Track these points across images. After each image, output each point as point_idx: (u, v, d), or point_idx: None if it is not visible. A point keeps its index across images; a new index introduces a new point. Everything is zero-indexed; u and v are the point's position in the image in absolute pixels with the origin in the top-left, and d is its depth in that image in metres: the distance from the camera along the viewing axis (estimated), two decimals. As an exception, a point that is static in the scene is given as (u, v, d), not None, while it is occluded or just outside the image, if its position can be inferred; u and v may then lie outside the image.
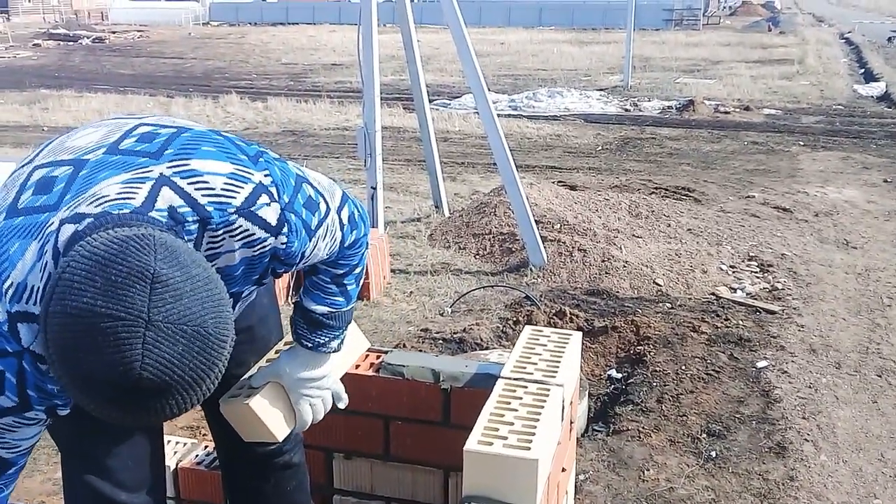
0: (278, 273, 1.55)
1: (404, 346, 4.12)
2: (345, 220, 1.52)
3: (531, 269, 5.28)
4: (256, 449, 1.84)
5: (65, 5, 47.11)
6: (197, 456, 2.36)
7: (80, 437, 1.62)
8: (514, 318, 4.47)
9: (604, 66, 20.36)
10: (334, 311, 1.63)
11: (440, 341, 4.18)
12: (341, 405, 1.74)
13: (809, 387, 3.73)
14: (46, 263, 1.17)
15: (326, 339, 1.65)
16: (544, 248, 5.38)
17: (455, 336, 4.21)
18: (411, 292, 5.08)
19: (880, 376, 3.88)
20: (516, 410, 1.69)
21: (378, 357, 2.15)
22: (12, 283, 1.19)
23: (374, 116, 5.56)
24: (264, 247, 1.35)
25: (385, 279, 5.17)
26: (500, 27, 37.41)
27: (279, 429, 1.68)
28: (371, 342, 4.36)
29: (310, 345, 1.64)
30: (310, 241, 1.43)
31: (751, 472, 3.06)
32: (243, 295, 1.51)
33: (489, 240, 5.88)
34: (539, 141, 10.75)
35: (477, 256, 5.72)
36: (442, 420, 2.06)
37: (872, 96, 14.84)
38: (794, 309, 4.70)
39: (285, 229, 1.35)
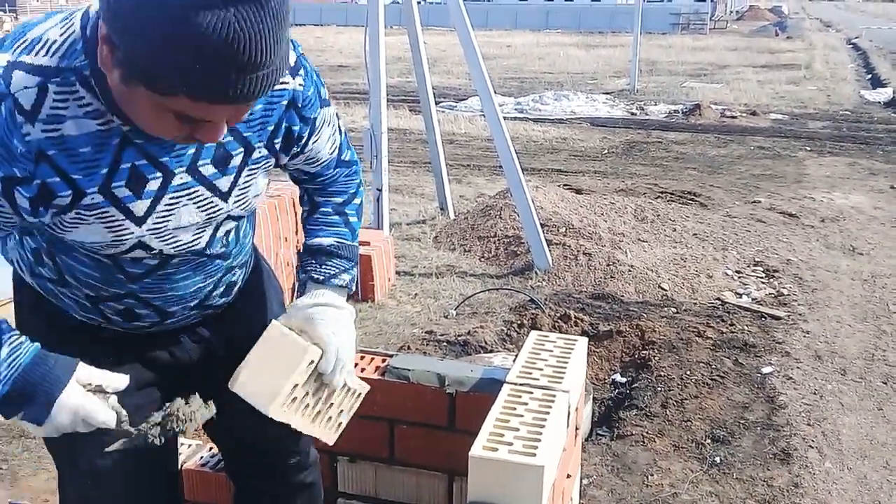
0: (288, 147, 1.48)
1: (409, 348, 4.12)
2: (342, 129, 1.62)
3: (536, 273, 5.28)
4: (272, 466, 1.80)
5: (73, 4, 47.30)
6: (202, 458, 2.35)
7: (82, 449, 1.54)
8: (519, 322, 4.47)
9: (610, 69, 20.35)
10: (341, 241, 1.61)
11: (444, 344, 4.18)
12: (354, 384, 1.60)
13: (814, 393, 3.72)
14: (73, 23, 1.20)
15: (337, 270, 1.58)
16: (549, 251, 5.37)
17: (459, 339, 4.21)
18: (416, 294, 5.08)
19: (886, 383, 3.87)
20: (522, 416, 1.68)
21: (383, 360, 2.15)
22: (27, 37, 1.20)
23: (381, 118, 5.56)
24: (283, 88, 1.39)
25: (390, 281, 5.17)
26: (507, 30, 37.49)
27: (308, 354, 1.47)
28: (376, 345, 4.36)
29: (321, 277, 1.56)
30: (320, 107, 1.48)
31: (755, 479, 3.05)
32: (252, 156, 1.42)
33: (494, 242, 5.88)
34: (545, 144, 10.75)
35: (482, 259, 5.72)
36: (447, 424, 2.05)
37: (880, 102, 14.80)
38: (800, 315, 4.69)
39: (301, 72, 1.42)
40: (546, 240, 5.40)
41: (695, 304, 4.86)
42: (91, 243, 1.32)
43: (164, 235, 1.36)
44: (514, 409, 1.72)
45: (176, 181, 1.33)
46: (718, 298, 4.95)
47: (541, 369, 1.90)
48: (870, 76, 18.89)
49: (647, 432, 3.35)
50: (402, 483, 2.14)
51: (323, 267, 1.57)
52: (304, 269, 1.59)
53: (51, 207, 1.24)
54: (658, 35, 32.46)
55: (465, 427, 1.96)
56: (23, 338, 1.27)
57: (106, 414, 1.29)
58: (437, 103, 8.08)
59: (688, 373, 3.82)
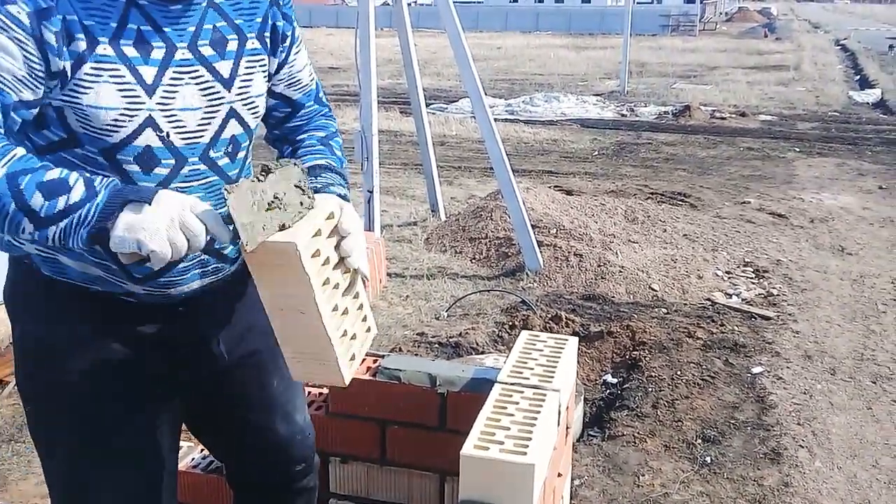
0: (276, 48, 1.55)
1: (400, 349, 4.12)
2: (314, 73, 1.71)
3: (527, 274, 5.29)
4: (273, 475, 1.78)
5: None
6: (193, 459, 2.35)
7: (80, 462, 1.52)
8: (510, 323, 4.48)
9: (600, 71, 20.41)
10: (331, 163, 1.61)
11: (436, 345, 4.18)
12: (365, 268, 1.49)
13: (804, 393, 3.74)
14: None
15: (333, 182, 1.56)
16: (540, 252, 5.38)
17: (451, 340, 4.21)
18: (407, 296, 5.08)
19: (875, 382, 3.90)
20: (513, 415, 1.69)
21: (375, 361, 2.15)
22: None
23: (371, 120, 5.56)
24: None
25: (381, 283, 5.17)
26: (498, 31, 37.54)
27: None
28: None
29: (318, 186, 1.52)
30: (295, 23, 1.59)
31: (745, 478, 3.06)
32: (246, 46, 1.49)
33: (485, 244, 5.89)
34: (535, 145, 10.77)
35: (473, 261, 5.73)
36: (438, 424, 2.06)
37: (868, 103, 14.90)
38: (790, 315, 4.72)
39: None
40: (537, 241, 5.42)
41: (685, 304, 4.88)
42: (107, 110, 1.32)
43: (171, 115, 1.38)
44: (505, 408, 1.72)
45: (178, 56, 1.39)
46: (708, 299, 4.97)
47: (531, 369, 1.91)
48: (858, 77, 19.01)
49: (638, 433, 3.36)
50: (393, 483, 2.15)
51: (318, 179, 1.55)
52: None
53: (71, 54, 1.29)
54: (648, 37, 32.56)
55: (457, 427, 1.97)
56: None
57: (212, 212, 1.29)
58: (427, 105, 8.09)
59: (678, 373, 3.83)
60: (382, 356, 2.17)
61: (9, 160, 1.23)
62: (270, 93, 1.60)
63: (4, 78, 1.25)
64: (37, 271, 1.47)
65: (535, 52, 25.88)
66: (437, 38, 23.11)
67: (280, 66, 1.59)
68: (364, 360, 2.16)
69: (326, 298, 1.35)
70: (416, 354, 4.06)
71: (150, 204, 1.23)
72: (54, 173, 1.24)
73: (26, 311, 1.53)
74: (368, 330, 1.55)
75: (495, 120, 5.75)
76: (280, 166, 1.31)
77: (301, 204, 1.32)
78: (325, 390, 2.20)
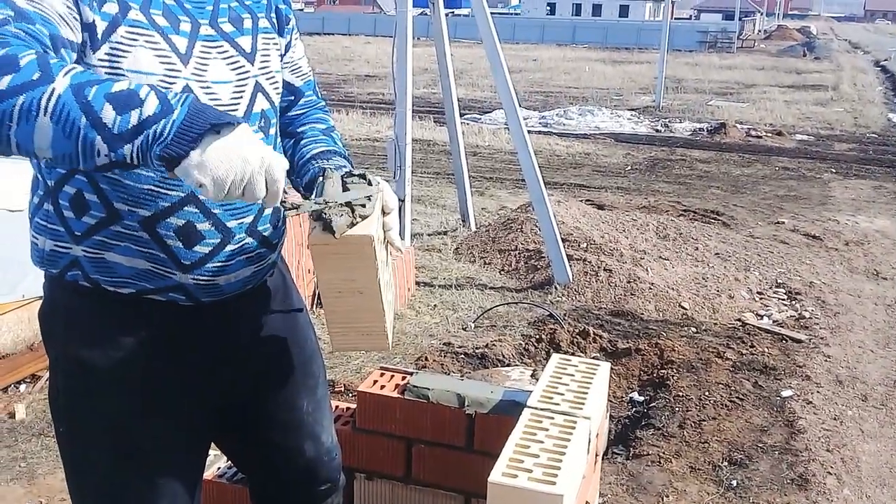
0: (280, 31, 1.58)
1: (426, 359, 4.12)
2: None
3: (556, 287, 5.27)
4: (297, 494, 1.77)
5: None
6: (219, 468, 2.33)
7: (111, 475, 1.51)
8: (537, 336, 4.46)
9: (636, 86, 20.32)
10: (338, 150, 1.64)
11: (462, 356, 4.18)
12: (401, 243, 1.59)
13: (834, 419, 3.68)
14: None
15: (343, 165, 1.58)
16: (570, 266, 5.36)
17: (477, 351, 4.21)
18: (435, 305, 5.08)
19: (908, 411, 3.82)
20: (542, 442, 1.66)
21: (403, 378, 2.14)
22: None
23: (406, 129, 5.59)
24: None
25: (409, 291, 5.18)
26: (534, 44, 37.54)
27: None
28: (394, 355, 4.36)
29: (333, 167, 1.55)
30: (292, 11, 1.62)
31: None
32: (259, 25, 1.52)
33: (515, 256, 5.88)
34: (568, 158, 10.74)
35: (502, 272, 5.72)
36: (465, 445, 2.04)
37: (908, 126, 14.68)
38: (822, 338, 4.65)
39: None
40: (567, 255, 5.40)
41: (715, 324, 4.83)
42: (147, 75, 1.31)
43: (206, 86, 1.39)
44: (535, 434, 1.70)
45: (203, 31, 1.40)
46: (739, 319, 4.92)
47: (562, 394, 1.88)
48: (898, 99, 18.75)
49: (663, 453, 3.32)
50: (418, 502, 2.13)
51: (331, 161, 1.58)
52: (315, 165, 1.58)
53: (104, 15, 1.29)
54: (685, 53, 32.38)
55: (484, 448, 1.96)
56: None
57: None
58: (461, 115, 8.11)
59: (706, 394, 3.79)
60: (411, 373, 2.16)
61: (70, 70, 1.12)
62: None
63: (48, 12, 1.23)
64: (80, 285, 1.43)
65: (571, 66, 25.84)
66: (473, 49, 23.17)
67: (286, 49, 1.61)
68: (392, 376, 2.16)
69: (381, 278, 1.41)
70: (441, 364, 4.06)
71: (228, 136, 1.14)
72: (122, 85, 1.13)
73: (68, 329, 1.48)
74: (390, 304, 1.58)
75: (529, 132, 5.74)
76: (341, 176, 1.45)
77: (368, 198, 1.40)
78: (354, 406, 2.20)
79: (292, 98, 1.67)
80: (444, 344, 4.38)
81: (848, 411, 3.77)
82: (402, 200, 5.70)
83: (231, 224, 1.44)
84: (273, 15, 1.56)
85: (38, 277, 1.56)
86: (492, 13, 5.61)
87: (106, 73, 1.29)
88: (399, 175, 5.67)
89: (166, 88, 1.28)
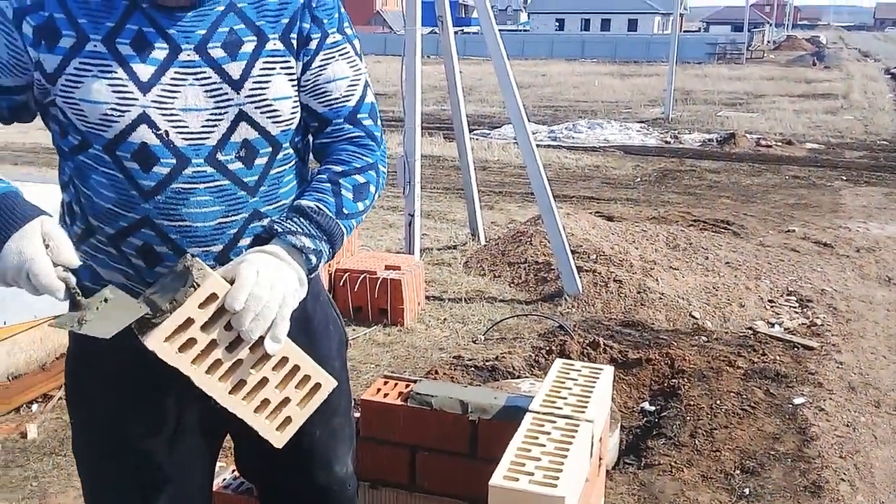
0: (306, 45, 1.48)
1: (436, 372, 4.12)
2: (369, 88, 1.58)
3: (566, 299, 5.26)
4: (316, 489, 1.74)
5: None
6: (224, 479, 2.35)
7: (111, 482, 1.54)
8: (548, 348, 4.45)
9: (645, 98, 20.33)
10: (320, 207, 1.44)
11: (472, 369, 4.18)
12: (271, 344, 1.32)
13: (847, 425, 3.65)
14: None
15: (299, 229, 1.40)
16: (579, 277, 5.36)
17: (487, 364, 4.20)
18: (445, 319, 5.09)
19: (922, 417, 3.79)
20: (544, 446, 1.66)
21: (407, 386, 2.15)
22: None
23: (415, 145, 5.62)
24: None
25: (419, 305, 5.19)
26: (543, 59, 37.65)
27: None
28: (403, 368, 4.35)
29: (279, 230, 1.39)
30: (339, 30, 1.51)
31: (785, 511, 2.99)
32: (266, 47, 1.43)
33: (524, 268, 5.88)
34: (577, 171, 10.75)
35: (512, 285, 5.72)
36: (469, 452, 2.05)
37: (919, 132, 14.60)
38: (834, 345, 4.62)
39: None
40: (576, 266, 5.39)
41: (726, 333, 4.81)
42: (97, 103, 1.34)
43: (170, 114, 1.36)
44: (536, 438, 1.70)
45: (183, 56, 1.37)
46: (750, 328, 4.89)
47: (565, 398, 1.88)
48: (909, 106, 18.66)
49: (675, 462, 3.31)
50: (423, 510, 2.14)
51: (287, 222, 1.41)
52: (270, 224, 1.43)
53: (58, 50, 1.33)
54: (694, 64, 32.40)
55: (487, 455, 1.96)
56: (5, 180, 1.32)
57: (50, 279, 1.24)
58: (471, 131, 8.13)
59: (718, 402, 3.77)
60: (415, 381, 2.17)
61: None
62: (300, 104, 1.52)
63: None
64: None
65: (580, 80, 25.88)
66: (482, 66, 23.26)
67: (303, 71, 1.48)
68: (396, 384, 2.17)
69: (216, 382, 1.31)
70: (452, 378, 4.06)
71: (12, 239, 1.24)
72: None
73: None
74: (315, 387, 1.41)
75: (538, 146, 5.76)
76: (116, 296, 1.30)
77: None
78: (358, 414, 2.21)
79: (317, 125, 1.54)
80: (454, 357, 4.38)
81: (861, 418, 3.74)
82: (411, 215, 5.72)
83: (193, 251, 1.40)
84: (294, 35, 1.45)
85: (49, 298, 1.58)
86: (500, 30, 5.64)
87: (63, 102, 1.36)
88: (408, 191, 5.69)
89: (119, 115, 1.34)
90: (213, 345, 1.29)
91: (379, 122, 1.60)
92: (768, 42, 54.57)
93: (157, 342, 1.24)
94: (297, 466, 1.68)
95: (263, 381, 1.35)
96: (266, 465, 1.71)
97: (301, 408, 1.39)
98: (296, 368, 1.38)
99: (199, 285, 1.26)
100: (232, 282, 1.29)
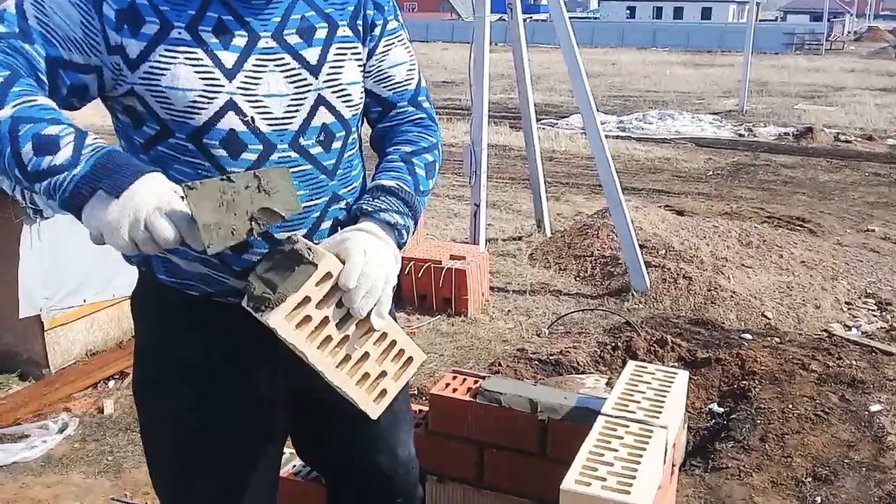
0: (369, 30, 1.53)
1: (500, 364, 4.10)
2: (421, 73, 1.66)
3: (633, 295, 5.18)
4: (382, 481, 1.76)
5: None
6: (294, 466, 2.36)
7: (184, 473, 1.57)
8: (613, 344, 4.39)
9: (718, 89, 19.87)
10: (401, 185, 1.51)
11: (536, 362, 4.15)
12: (377, 320, 1.39)
13: (927, 436, 3.52)
14: None
15: (388, 206, 1.46)
16: (648, 273, 5.27)
17: (551, 358, 4.17)
18: (509, 311, 5.06)
19: None
20: (616, 451, 1.63)
21: (475, 382, 2.14)
22: None
23: (482, 134, 5.59)
24: None
25: (483, 296, 5.17)
26: (613, 47, 37.14)
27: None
28: (466, 359, 4.35)
29: (369, 209, 1.46)
30: (396, 17, 1.57)
31: (859, 522, 2.90)
32: (337, 34, 1.47)
33: (590, 262, 5.81)
34: (647, 164, 10.57)
35: (577, 278, 5.66)
36: (537, 451, 2.03)
37: None
38: (914, 352, 4.45)
39: None
40: (644, 261, 5.30)
41: (800, 334, 4.67)
42: (185, 91, 1.33)
43: (255, 100, 1.38)
44: (609, 442, 1.66)
45: (262, 44, 1.39)
46: (826, 330, 4.75)
47: (638, 402, 1.84)
48: None
49: (743, 466, 3.23)
50: (489, 506, 2.12)
51: (375, 200, 1.47)
52: (357, 205, 1.49)
53: (142, 36, 1.32)
54: (770, 55, 31.54)
55: (556, 455, 1.93)
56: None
57: (186, 220, 1.20)
58: (538, 120, 8.05)
59: (790, 406, 3.67)
60: (483, 377, 2.16)
61: (21, 103, 1.22)
62: (365, 81, 1.56)
63: (56, 34, 1.29)
64: (153, 278, 1.50)
65: (651, 69, 25.44)
66: (550, 54, 23.06)
67: (369, 56, 1.54)
68: (465, 380, 2.16)
69: (326, 357, 1.35)
70: (515, 370, 4.04)
71: (118, 198, 1.18)
72: (54, 129, 1.20)
73: (139, 318, 1.59)
74: (408, 361, 1.47)
75: (606, 137, 5.68)
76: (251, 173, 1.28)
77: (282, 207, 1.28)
78: (426, 408, 2.21)
79: (380, 109, 1.60)
80: (518, 350, 4.36)
81: (942, 428, 3.59)
82: (477, 205, 5.71)
83: (279, 236, 1.43)
84: (360, 22, 1.51)
85: (128, 276, 1.62)
86: (570, 17, 5.56)
87: (145, 90, 1.34)
88: (474, 180, 5.67)
89: (207, 102, 1.34)
90: (325, 322, 1.34)
91: (430, 98, 1.69)
92: (849, 33, 52.78)
93: (278, 319, 1.29)
94: (362, 452, 1.70)
95: (365, 356, 1.41)
96: (332, 453, 1.73)
97: (395, 381, 1.45)
98: (393, 343, 1.45)
99: (316, 265, 1.32)
100: (341, 261, 1.35)
